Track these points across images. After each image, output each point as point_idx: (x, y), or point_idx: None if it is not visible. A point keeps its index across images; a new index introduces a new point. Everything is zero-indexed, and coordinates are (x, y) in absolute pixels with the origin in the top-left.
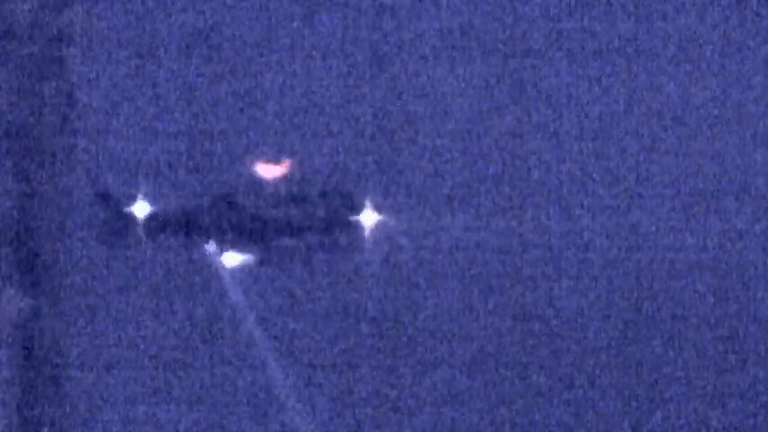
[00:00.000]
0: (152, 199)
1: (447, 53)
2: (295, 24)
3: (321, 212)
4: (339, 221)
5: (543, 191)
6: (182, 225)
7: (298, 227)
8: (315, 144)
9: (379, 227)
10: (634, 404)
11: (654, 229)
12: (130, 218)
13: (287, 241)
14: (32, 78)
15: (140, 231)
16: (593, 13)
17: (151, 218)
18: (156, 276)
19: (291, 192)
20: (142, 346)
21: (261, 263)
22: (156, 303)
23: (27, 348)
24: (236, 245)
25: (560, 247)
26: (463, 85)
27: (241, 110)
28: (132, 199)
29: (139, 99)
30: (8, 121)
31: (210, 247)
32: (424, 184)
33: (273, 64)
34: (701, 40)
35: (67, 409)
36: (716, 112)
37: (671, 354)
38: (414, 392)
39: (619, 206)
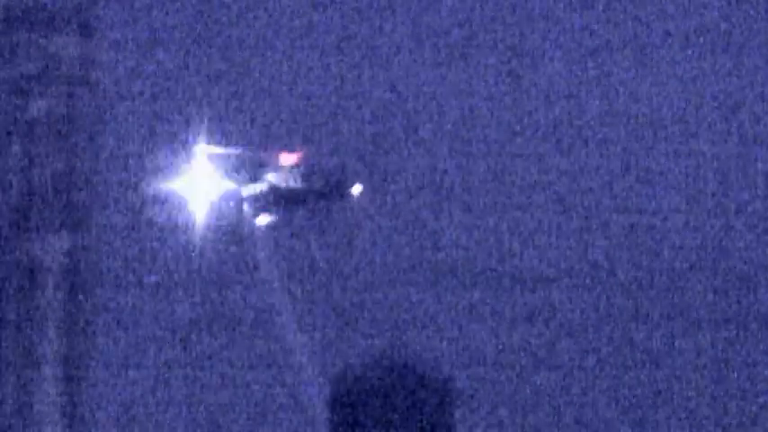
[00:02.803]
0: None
1: (447, 53)
2: (294, 24)
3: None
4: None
5: (543, 191)
6: (226, 196)
7: (306, 198)
8: (315, 143)
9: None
10: (634, 404)
11: (654, 229)
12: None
13: (300, 207)
14: (66, 94)
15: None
16: (594, 13)
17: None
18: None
19: (302, 173)
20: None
21: (282, 222)
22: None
23: (71, 277)
24: (266, 210)
25: (560, 247)
26: (463, 84)
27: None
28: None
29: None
30: (52, 119)
31: (249, 209)
32: (422, 183)
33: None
34: (701, 40)
35: (105, 330)
36: (716, 112)
37: (671, 354)
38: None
39: (619, 206)
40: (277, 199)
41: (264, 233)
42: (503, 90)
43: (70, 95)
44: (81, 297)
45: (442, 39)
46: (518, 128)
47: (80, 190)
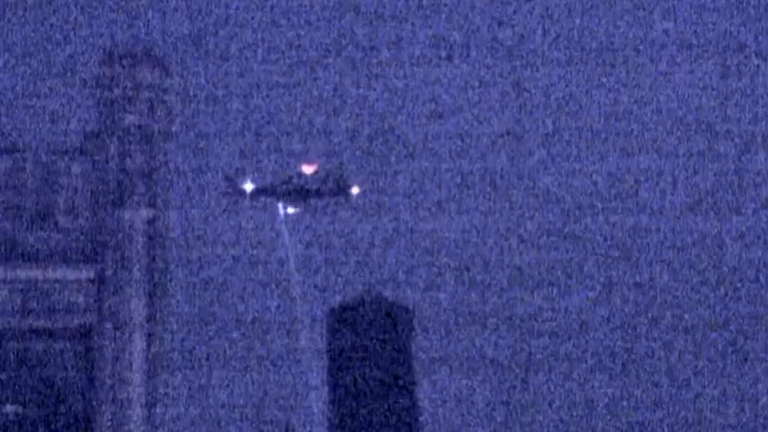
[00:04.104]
0: (253, 180)
1: (447, 53)
2: (294, 27)
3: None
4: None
5: (543, 191)
6: (267, 193)
7: (319, 194)
8: (316, 144)
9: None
10: (634, 404)
11: (654, 229)
12: (243, 189)
13: (315, 202)
14: (147, 110)
15: (247, 195)
16: (593, 13)
17: (253, 191)
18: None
19: (316, 177)
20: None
21: (303, 211)
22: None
23: (152, 237)
24: (292, 203)
25: (559, 248)
26: (463, 85)
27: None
28: (244, 179)
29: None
30: (138, 128)
31: (279, 204)
32: (422, 183)
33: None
34: (701, 40)
35: (186, 280)
36: (716, 112)
37: (671, 354)
38: (415, 392)
39: (619, 206)
40: (299, 196)
41: (292, 218)
42: (503, 90)
43: (150, 111)
44: (156, 252)
45: (441, 39)
46: (518, 128)
47: (157, 179)
